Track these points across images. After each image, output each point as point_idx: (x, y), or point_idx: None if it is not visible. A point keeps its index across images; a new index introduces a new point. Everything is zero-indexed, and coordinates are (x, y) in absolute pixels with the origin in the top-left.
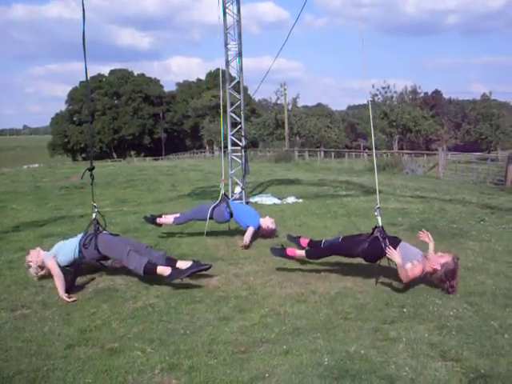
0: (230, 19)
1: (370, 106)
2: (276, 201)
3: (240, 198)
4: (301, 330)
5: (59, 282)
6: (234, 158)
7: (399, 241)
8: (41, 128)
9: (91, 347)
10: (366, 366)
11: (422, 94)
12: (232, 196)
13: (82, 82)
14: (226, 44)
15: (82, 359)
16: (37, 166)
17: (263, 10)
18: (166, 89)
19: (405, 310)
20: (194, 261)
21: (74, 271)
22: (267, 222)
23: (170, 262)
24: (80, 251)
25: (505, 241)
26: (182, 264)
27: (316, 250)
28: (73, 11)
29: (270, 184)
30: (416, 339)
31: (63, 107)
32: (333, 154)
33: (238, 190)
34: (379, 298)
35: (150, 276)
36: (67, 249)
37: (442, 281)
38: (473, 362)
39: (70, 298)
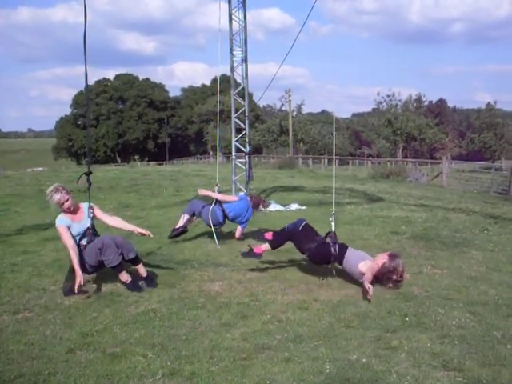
0: (235, 25)
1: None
2: (279, 208)
3: None
4: (303, 337)
5: (74, 254)
6: (238, 164)
7: (347, 247)
8: (45, 131)
9: (93, 351)
10: (368, 375)
11: (427, 103)
12: None
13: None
14: (232, 50)
15: (83, 363)
16: (41, 169)
17: (269, 16)
18: (170, 94)
19: (407, 318)
20: (148, 276)
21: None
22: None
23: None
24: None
25: (508, 250)
26: (142, 270)
27: (277, 237)
28: (78, 15)
29: (274, 191)
30: (418, 348)
31: (68, 111)
32: (337, 161)
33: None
34: (381, 306)
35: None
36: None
37: (389, 277)
38: (475, 372)
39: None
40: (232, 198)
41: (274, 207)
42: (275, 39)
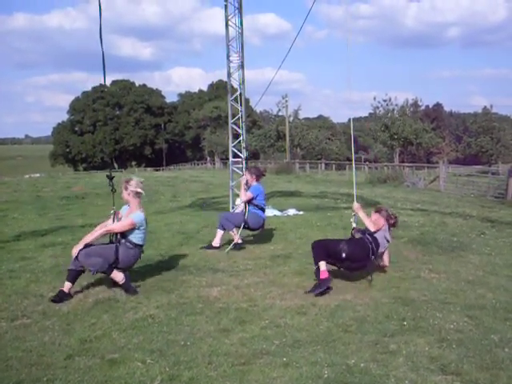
0: (232, 31)
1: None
2: (277, 213)
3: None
4: (301, 342)
5: (92, 236)
6: (235, 169)
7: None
8: (42, 137)
9: (91, 358)
10: (366, 379)
11: (423, 107)
12: (233, 208)
13: (84, 92)
14: (228, 56)
15: (81, 369)
16: (38, 175)
17: (265, 22)
18: (167, 99)
19: (405, 322)
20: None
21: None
22: None
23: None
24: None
25: (505, 254)
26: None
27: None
28: (73, 21)
29: (271, 196)
30: (416, 352)
31: (65, 117)
32: (334, 166)
33: (238, 201)
34: (379, 310)
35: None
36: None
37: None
38: (473, 376)
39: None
40: (248, 194)
41: (271, 212)
42: (271, 44)
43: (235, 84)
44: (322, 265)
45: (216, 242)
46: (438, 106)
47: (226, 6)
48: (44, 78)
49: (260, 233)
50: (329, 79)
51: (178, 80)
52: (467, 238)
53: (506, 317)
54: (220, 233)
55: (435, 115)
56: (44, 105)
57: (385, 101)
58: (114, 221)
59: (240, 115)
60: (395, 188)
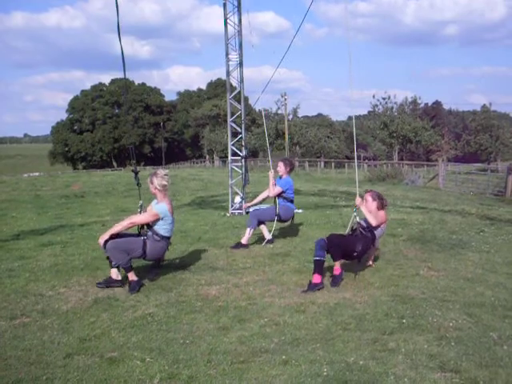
0: (230, 29)
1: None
2: None
3: (240, 208)
4: (300, 340)
5: (119, 228)
6: (234, 167)
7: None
8: (41, 136)
9: (90, 356)
10: (365, 377)
11: (422, 105)
12: (232, 206)
13: (83, 91)
14: (227, 54)
15: (81, 368)
16: (37, 174)
17: (264, 20)
18: (166, 98)
19: (404, 320)
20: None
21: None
22: None
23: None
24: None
25: (504, 252)
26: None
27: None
28: (71, 19)
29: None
30: (415, 350)
31: (64, 116)
32: (333, 164)
33: (237, 199)
34: (378, 308)
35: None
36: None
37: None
38: (472, 374)
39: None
40: (278, 188)
41: None
42: (270, 43)
43: (234, 82)
44: (338, 263)
45: (245, 240)
46: (437, 103)
47: (224, 5)
48: (42, 76)
49: (289, 224)
50: (328, 77)
51: (177, 78)
52: (466, 235)
53: (504, 314)
54: (250, 231)
55: (434, 113)
56: (43, 104)
57: (384, 99)
58: (140, 214)
59: (239, 113)
60: (394, 186)
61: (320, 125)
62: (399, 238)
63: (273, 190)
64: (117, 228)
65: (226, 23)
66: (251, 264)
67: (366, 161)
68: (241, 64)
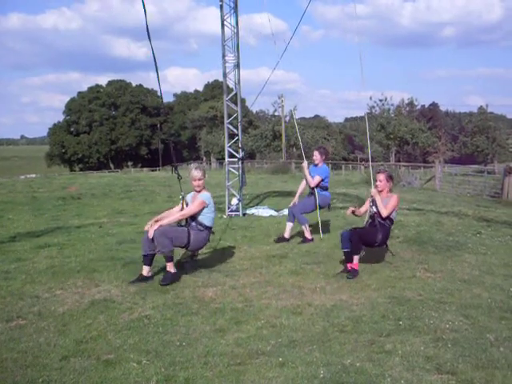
0: (227, 31)
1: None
2: (273, 213)
3: (237, 210)
4: (297, 342)
5: (169, 220)
6: (231, 169)
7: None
8: (38, 138)
9: (87, 358)
10: (362, 379)
11: (419, 107)
12: (229, 208)
13: (79, 93)
14: (224, 56)
15: (77, 371)
16: (34, 176)
17: (261, 21)
18: (163, 100)
19: (401, 322)
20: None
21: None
22: None
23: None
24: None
25: (501, 254)
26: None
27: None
28: (68, 21)
29: (267, 196)
30: (412, 352)
31: (61, 118)
32: (330, 165)
33: (234, 201)
34: (375, 310)
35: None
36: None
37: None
38: (468, 375)
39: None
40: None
41: (267, 212)
42: (267, 44)
43: (231, 84)
44: (357, 258)
45: (309, 234)
46: (434, 105)
47: (221, 6)
48: (39, 78)
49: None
50: (325, 79)
51: (174, 80)
52: (463, 237)
53: (501, 316)
54: (306, 226)
55: (431, 115)
56: (39, 105)
57: (381, 100)
58: (182, 206)
59: (236, 115)
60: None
61: (317, 126)
62: (396, 240)
63: (312, 181)
64: (167, 220)
65: (222, 25)
66: (248, 266)
67: (363, 162)
68: (237, 66)
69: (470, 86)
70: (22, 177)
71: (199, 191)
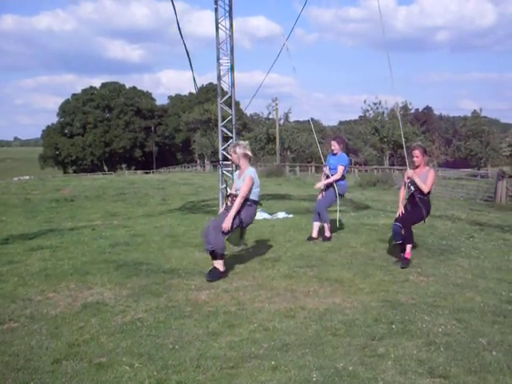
0: (222, 34)
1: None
2: (266, 216)
3: None
4: (289, 345)
5: (236, 209)
6: (225, 172)
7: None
8: (32, 140)
9: (79, 362)
10: (354, 383)
11: (413, 111)
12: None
13: (73, 95)
14: (219, 59)
15: (69, 374)
16: (27, 178)
17: (255, 25)
18: (157, 102)
19: (393, 326)
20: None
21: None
22: None
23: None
24: None
25: (493, 257)
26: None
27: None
28: (62, 23)
29: (261, 199)
30: (404, 356)
31: (54, 119)
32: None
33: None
34: (368, 314)
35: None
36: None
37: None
38: (461, 379)
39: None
40: (340, 168)
41: (260, 215)
42: (262, 47)
43: (225, 87)
44: (409, 247)
45: (315, 234)
46: (428, 109)
47: (216, 9)
48: (33, 80)
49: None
50: (319, 82)
51: (168, 82)
52: (456, 241)
53: (494, 320)
54: (328, 225)
55: (425, 118)
56: (33, 107)
57: (375, 104)
58: (226, 191)
59: (230, 118)
60: (385, 191)
61: (311, 130)
62: (389, 244)
63: (337, 175)
64: (234, 211)
65: (217, 28)
66: (241, 269)
67: (357, 166)
68: (232, 68)
69: (463, 90)
70: (16, 179)
71: (241, 168)
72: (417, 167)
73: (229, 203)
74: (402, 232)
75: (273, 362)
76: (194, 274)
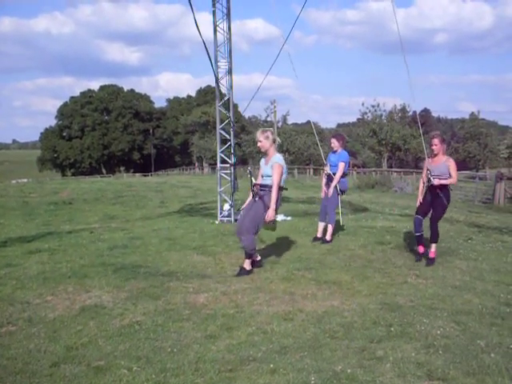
0: (220, 37)
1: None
2: None
3: (229, 216)
4: (288, 348)
5: (275, 201)
6: (223, 175)
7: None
8: (30, 142)
9: (77, 365)
10: None
11: (411, 113)
12: (221, 213)
13: (72, 97)
14: (217, 61)
15: (67, 377)
16: (25, 180)
17: (253, 27)
18: (156, 105)
19: (392, 328)
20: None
21: None
22: None
23: None
24: None
25: (492, 260)
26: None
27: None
28: (60, 25)
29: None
30: (403, 358)
31: (53, 122)
32: (322, 171)
33: (226, 207)
34: (366, 316)
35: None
36: None
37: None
38: (459, 382)
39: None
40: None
41: None
42: (260, 50)
43: (223, 89)
44: (434, 246)
45: (320, 234)
46: (426, 111)
47: (214, 12)
48: (31, 82)
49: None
50: (317, 84)
51: (166, 85)
52: (454, 243)
53: (492, 322)
54: (332, 227)
55: (423, 121)
56: (31, 109)
57: (373, 106)
58: (251, 180)
59: (228, 120)
60: (383, 193)
61: (309, 132)
62: (388, 246)
63: (340, 170)
64: (274, 202)
65: (215, 30)
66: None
67: (356, 168)
68: (230, 71)
69: (461, 93)
70: (14, 181)
71: (268, 154)
72: (435, 155)
73: (256, 191)
74: (422, 224)
75: (271, 365)
76: (192, 277)
